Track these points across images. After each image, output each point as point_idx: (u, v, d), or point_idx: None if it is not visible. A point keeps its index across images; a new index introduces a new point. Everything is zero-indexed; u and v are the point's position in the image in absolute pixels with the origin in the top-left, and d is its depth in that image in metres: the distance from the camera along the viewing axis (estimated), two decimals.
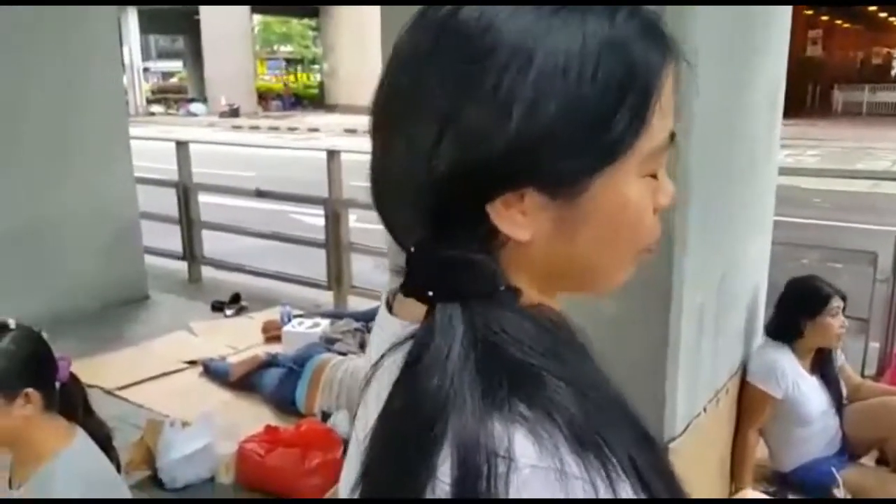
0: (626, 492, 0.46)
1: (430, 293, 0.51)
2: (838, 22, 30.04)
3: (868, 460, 2.81)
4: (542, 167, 0.49)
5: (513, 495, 0.44)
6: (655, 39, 0.52)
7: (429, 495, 0.45)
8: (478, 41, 0.48)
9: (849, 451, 2.74)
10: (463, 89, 0.48)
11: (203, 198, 5.90)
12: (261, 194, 5.78)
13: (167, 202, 5.76)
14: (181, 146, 5.76)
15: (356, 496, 0.50)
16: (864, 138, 15.50)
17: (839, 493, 2.38)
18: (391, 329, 0.56)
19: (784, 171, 4.03)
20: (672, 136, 0.54)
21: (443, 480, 0.45)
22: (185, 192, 5.66)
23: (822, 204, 8.65)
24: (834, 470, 2.51)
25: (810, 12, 23.95)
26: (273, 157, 11.33)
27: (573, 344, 0.52)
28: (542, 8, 0.49)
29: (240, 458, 2.85)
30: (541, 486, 0.44)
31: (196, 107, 27.74)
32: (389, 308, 0.60)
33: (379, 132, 0.54)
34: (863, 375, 3.23)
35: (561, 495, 0.44)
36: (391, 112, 0.53)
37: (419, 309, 0.52)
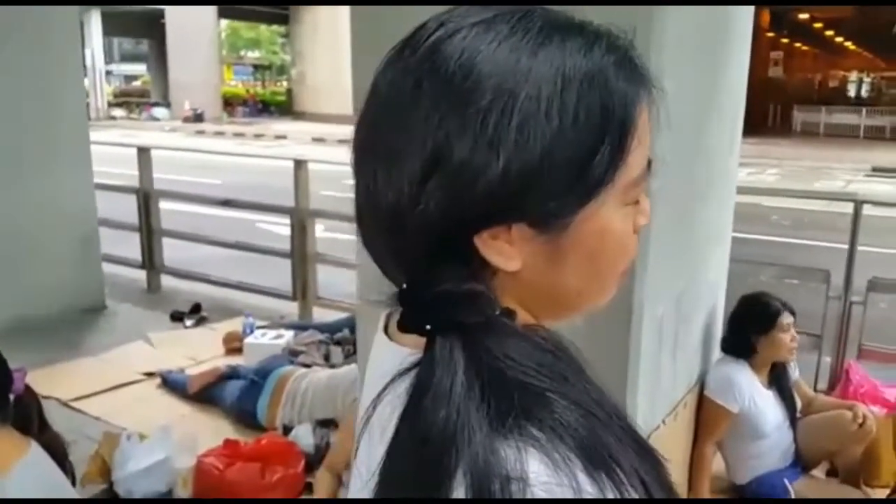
0: None
1: (428, 327, 0.51)
2: (798, 44, 30.94)
3: (819, 472, 2.89)
4: (527, 205, 0.50)
5: None
6: (632, 72, 0.53)
7: None
8: (460, 84, 0.49)
9: (801, 463, 2.80)
10: (448, 132, 0.49)
11: (165, 205, 5.81)
12: (226, 203, 5.72)
13: (127, 209, 5.66)
14: (142, 152, 5.67)
15: None
16: (822, 158, 15.95)
17: None
18: (390, 358, 0.55)
19: (746, 190, 4.14)
20: (649, 163, 0.56)
21: None
22: (146, 199, 5.57)
23: (781, 221, 8.87)
24: (787, 482, 2.57)
25: (772, 34, 24.64)
26: (239, 164, 11.22)
27: (572, 362, 0.53)
28: (522, 45, 0.50)
29: (198, 473, 2.80)
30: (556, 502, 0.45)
31: (158, 111, 27.33)
32: (386, 333, 0.60)
33: (363, 170, 0.55)
34: (815, 389, 3.32)
35: None
36: (375, 152, 0.53)
37: (418, 336, 0.52)
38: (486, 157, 0.49)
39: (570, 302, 0.58)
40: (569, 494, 0.45)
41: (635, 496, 0.47)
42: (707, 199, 2.65)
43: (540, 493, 0.45)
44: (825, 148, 18.12)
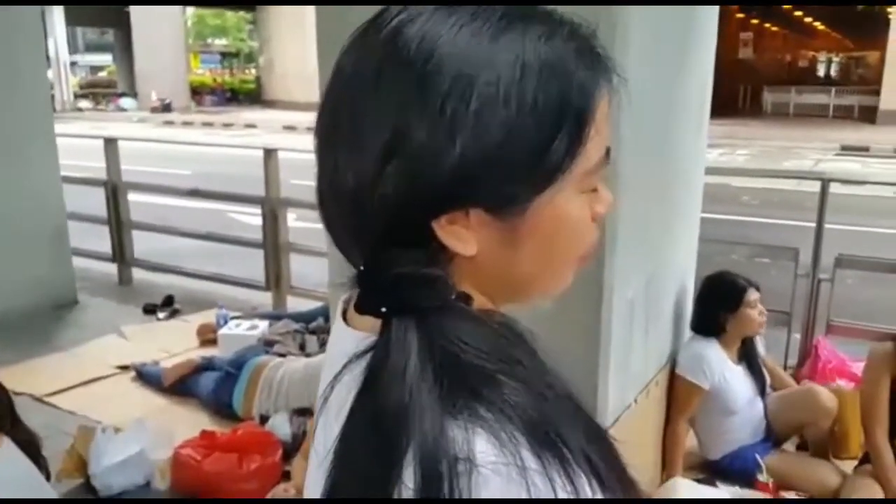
0: (583, 484, 0.48)
1: (384, 309, 0.52)
2: (767, 25, 31.23)
3: (789, 446, 2.96)
4: (484, 190, 0.51)
5: (475, 494, 0.45)
6: (592, 61, 0.54)
7: (395, 499, 0.47)
8: (420, 68, 0.50)
9: (772, 438, 2.87)
10: (407, 116, 0.49)
11: (135, 197, 5.73)
12: (195, 193, 5.65)
13: (96, 202, 5.57)
14: (109, 143, 5.57)
15: None
16: (791, 138, 16.17)
17: (762, 478, 2.50)
18: (348, 342, 0.56)
19: (715, 171, 4.20)
20: (607, 151, 0.56)
21: (408, 486, 0.46)
22: (115, 191, 5.48)
23: (751, 201, 8.99)
24: (758, 456, 2.63)
25: (741, 15, 24.81)
26: (208, 154, 11.07)
27: (524, 346, 0.54)
28: (483, 31, 0.50)
29: (175, 464, 2.79)
30: (502, 481, 0.46)
31: (126, 102, 26.80)
32: (344, 318, 0.60)
33: (324, 154, 0.55)
34: (785, 366, 3.40)
35: (522, 489, 0.45)
36: (337, 135, 0.54)
37: (375, 319, 0.53)
38: (444, 141, 0.49)
39: (526, 287, 0.59)
40: (514, 472, 0.46)
41: (580, 473, 0.48)
42: (675, 183, 2.69)
43: (485, 473, 0.46)
44: (795, 128, 18.34)
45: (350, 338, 0.57)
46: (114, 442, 2.81)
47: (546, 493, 0.46)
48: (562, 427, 0.50)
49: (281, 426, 3.02)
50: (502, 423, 0.47)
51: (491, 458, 0.46)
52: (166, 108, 24.81)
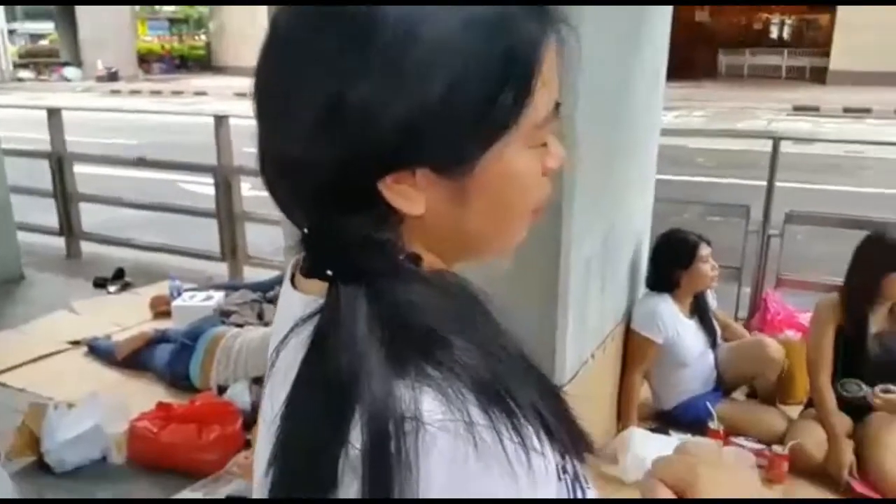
0: (530, 436, 0.48)
1: (330, 272, 0.50)
2: None
3: (739, 395, 3.06)
4: (429, 146, 0.49)
5: (422, 453, 0.45)
6: (538, 11, 0.52)
7: (342, 462, 0.46)
8: (361, 21, 0.47)
9: (723, 388, 2.96)
10: (347, 71, 0.47)
11: (81, 169, 5.54)
12: (142, 162, 5.49)
13: (40, 174, 5.37)
14: (53, 113, 5.37)
15: (270, 474, 0.50)
16: (746, 99, 16.40)
17: (713, 425, 2.58)
18: (295, 305, 0.55)
19: (671, 132, 4.21)
20: (557, 106, 0.55)
21: (354, 446, 0.46)
22: (60, 163, 5.30)
23: (706, 163, 9.13)
24: (709, 405, 2.71)
25: None
26: (157, 123, 10.77)
27: (476, 306, 0.53)
28: None
29: (132, 437, 2.75)
30: (449, 437, 0.45)
31: (70, 71, 25.80)
32: (293, 282, 0.58)
33: (264, 114, 0.53)
34: (736, 319, 3.48)
35: (469, 445, 0.45)
36: (276, 93, 0.51)
37: (322, 283, 0.51)
38: (385, 98, 0.47)
39: (478, 244, 0.58)
40: (461, 428, 0.45)
41: (528, 426, 0.48)
42: (631, 145, 2.70)
43: (432, 431, 0.45)
44: (749, 89, 18.63)
45: (297, 301, 0.55)
46: (67, 417, 2.75)
47: (493, 447, 0.46)
48: (512, 384, 0.49)
49: (240, 395, 2.99)
50: (450, 381, 0.47)
51: (438, 416, 0.45)
52: (112, 76, 24.02)
